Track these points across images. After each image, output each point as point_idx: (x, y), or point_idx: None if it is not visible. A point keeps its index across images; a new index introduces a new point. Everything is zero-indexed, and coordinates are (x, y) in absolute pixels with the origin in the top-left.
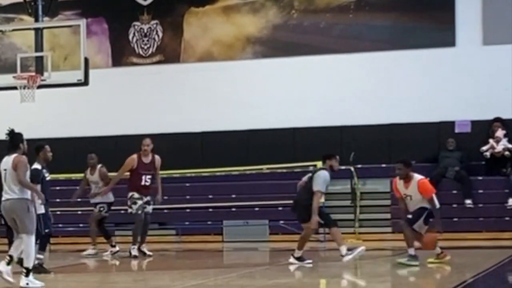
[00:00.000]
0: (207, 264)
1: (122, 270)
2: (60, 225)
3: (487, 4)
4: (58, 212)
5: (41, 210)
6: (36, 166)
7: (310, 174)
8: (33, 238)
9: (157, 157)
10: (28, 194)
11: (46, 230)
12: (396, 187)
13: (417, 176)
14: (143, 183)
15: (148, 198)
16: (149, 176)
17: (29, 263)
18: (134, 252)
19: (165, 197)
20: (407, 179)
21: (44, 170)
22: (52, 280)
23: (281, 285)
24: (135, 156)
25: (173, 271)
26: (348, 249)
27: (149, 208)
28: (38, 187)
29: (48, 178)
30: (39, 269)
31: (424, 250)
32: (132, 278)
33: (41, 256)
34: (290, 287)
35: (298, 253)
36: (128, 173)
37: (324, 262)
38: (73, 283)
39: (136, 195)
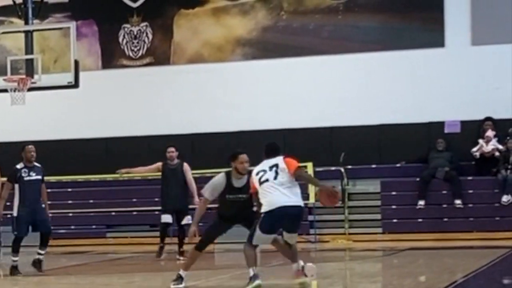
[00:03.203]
0: (199, 265)
1: (114, 272)
2: (51, 227)
3: (475, 5)
4: (50, 215)
5: (14, 213)
6: (17, 165)
7: None
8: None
9: None
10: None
11: (15, 233)
12: None
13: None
14: None
15: None
16: None
17: None
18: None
19: (156, 199)
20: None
21: (25, 170)
22: (43, 283)
23: (272, 286)
24: None
25: (165, 273)
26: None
27: None
28: (16, 186)
29: (30, 178)
30: (12, 271)
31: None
32: (124, 280)
33: (15, 259)
34: None
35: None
36: None
37: (315, 263)
38: (65, 285)
39: None
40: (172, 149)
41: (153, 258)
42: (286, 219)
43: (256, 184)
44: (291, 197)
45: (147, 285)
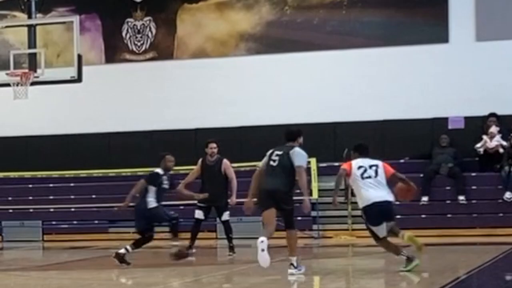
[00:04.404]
0: (200, 261)
1: (116, 267)
2: (54, 222)
3: (480, 0)
4: (52, 210)
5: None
6: (159, 171)
7: (279, 153)
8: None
9: None
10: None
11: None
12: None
13: None
14: None
15: None
16: None
17: None
18: None
19: None
20: None
21: (164, 177)
22: (44, 278)
23: (275, 281)
24: None
25: (167, 268)
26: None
27: None
28: (153, 189)
29: (166, 187)
30: (120, 256)
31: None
32: (126, 276)
33: (129, 249)
34: (283, 283)
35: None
36: None
37: (318, 258)
38: (66, 280)
39: None
40: (214, 145)
41: (155, 253)
42: (383, 212)
43: (358, 177)
44: (383, 194)
45: (148, 281)
